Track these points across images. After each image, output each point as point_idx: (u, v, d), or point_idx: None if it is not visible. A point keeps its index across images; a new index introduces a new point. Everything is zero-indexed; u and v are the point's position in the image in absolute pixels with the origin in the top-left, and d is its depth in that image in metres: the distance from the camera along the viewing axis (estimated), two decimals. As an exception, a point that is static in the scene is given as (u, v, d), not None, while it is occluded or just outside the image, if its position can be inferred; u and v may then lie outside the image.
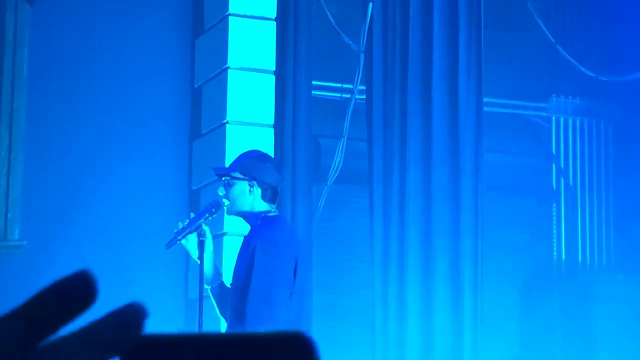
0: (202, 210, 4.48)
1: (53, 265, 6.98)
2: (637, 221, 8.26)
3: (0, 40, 6.98)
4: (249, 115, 7.09)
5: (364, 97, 7.45)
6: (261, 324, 4.09)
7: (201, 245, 4.48)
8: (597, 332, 8.08)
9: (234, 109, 7.08)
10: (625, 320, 8.03)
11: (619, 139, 8.62)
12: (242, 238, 4.68)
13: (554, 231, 8.64)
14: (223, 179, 4.41)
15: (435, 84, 7.31)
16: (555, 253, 8.61)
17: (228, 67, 7.10)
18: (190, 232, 4.45)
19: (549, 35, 8.03)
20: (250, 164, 4.37)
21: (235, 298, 4.28)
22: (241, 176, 4.35)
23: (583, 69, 8.12)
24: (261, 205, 4.37)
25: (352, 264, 7.78)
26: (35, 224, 6.98)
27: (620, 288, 8.14)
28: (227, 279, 4.69)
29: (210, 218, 4.45)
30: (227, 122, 7.07)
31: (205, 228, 4.47)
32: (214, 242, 6.87)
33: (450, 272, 7.18)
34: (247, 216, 4.39)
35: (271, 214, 4.37)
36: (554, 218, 8.65)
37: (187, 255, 7.11)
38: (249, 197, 4.36)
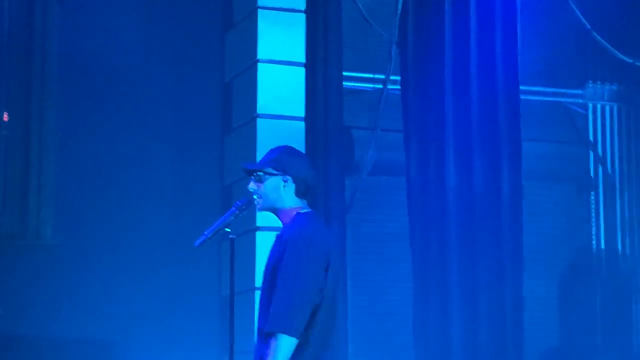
0: (232, 207, 4.41)
1: (86, 263, 6.97)
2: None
3: (29, 38, 6.95)
4: (280, 109, 7.04)
5: (397, 87, 7.37)
6: (284, 326, 4.03)
7: (232, 243, 4.42)
8: (638, 322, 7.97)
9: (264, 103, 7.03)
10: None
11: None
12: (275, 233, 4.62)
13: (593, 220, 8.52)
14: (255, 174, 4.34)
15: (471, 72, 7.20)
16: (594, 242, 8.49)
17: (258, 60, 7.05)
18: (220, 230, 4.39)
19: (585, 21, 7.90)
20: (284, 159, 4.30)
21: (264, 297, 4.21)
22: (275, 171, 4.28)
23: (619, 55, 7.99)
24: (294, 201, 4.30)
25: (387, 258, 7.71)
26: (67, 223, 6.96)
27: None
28: (260, 276, 4.63)
29: (240, 215, 4.39)
30: (258, 116, 7.02)
31: None
32: (247, 237, 6.86)
33: (491, 263, 7.08)
34: (280, 212, 4.33)
35: (304, 211, 4.30)
36: (593, 207, 8.53)
37: (220, 251, 7.10)
38: (283, 192, 4.29)
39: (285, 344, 4.05)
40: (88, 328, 6.91)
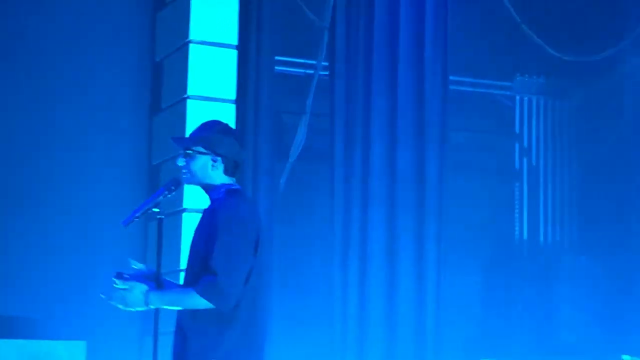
0: (161, 187, 4.39)
1: (7, 240, 6.89)
2: (600, 202, 8.27)
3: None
4: (211, 90, 7.01)
5: (330, 72, 7.39)
6: (218, 298, 4.03)
7: (160, 223, 4.39)
8: (558, 312, 8.10)
9: (195, 84, 6.99)
10: (585, 301, 8.06)
11: (583, 119, 8.62)
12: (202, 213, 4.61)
13: (517, 211, 8.64)
14: (184, 151, 4.33)
15: (400, 61, 7.25)
16: (517, 233, 8.61)
17: (190, 41, 7.00)
18: (149, 210, 4.36)
19: (515, 14, 7.98)
20: (214, 138, 4.29)
21: (191, 272, 4.20)
22: (204, 150, 4.28)
23: (548, 49, 8.09)
24: (223, 179, 4.31)
25: (314, 242, 7.73)
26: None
27: (581, 269, 8.16)
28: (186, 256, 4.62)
29: (169, 195, 4.37)
30: (188, 97, 6.98)
31: None
32: (173, 218, 6.83)
33: (414, 251, 7.15)
34: (208, 188, 4.33)
35: (233, 187, 4.31)
36: (517, 197, 8.65)
37: (146, 231, 7.06)
38: (211, 171, 4.30)
39: (201, 303, 4.05)
40: (8, 306, 6.83)
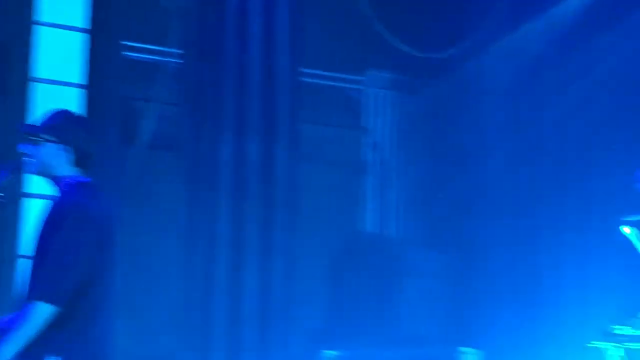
0: (0, 171, 4.25)
1: None
2: (448, 197, 8.44)
3: None
4: (58, 74, 6.87)
5: (179, 60, 7.34)
6: (47, 295, 3.94)
7: (1, 207, 4.28)
8: (404, 304, 8.23)
9: (41, 66, 6.84)
10: (432, 295, 8.22)
11: (432, 114, 8.77)
12: (43, 201, 4.49)
13: (366, 204, 8.74)
14: (32, 138, 4.20)
15: (251, 51, 7.26)
16: (366, 225, 8.71)
17: (37, 22, 6.84)
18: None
19: (367, 8, 8.07)
20: (65, 127, 4.18)
21: (36, 266, 4.09)
22: (53, 139, 4.16)
23: (398, 44, 8.21)
24: (70, 170, 4.20)
25: (161, 230, 7.66)
26: None
27: (429, 263, 8.31)
28: (29, 244, 4.50)
29: (8, 179, 4.24)
30: (34, 80, 6.82)
31: None
32: (13, 203, 6.64)
33: (260, 241, 7.17)
34: (55, 179, 4.21)
35: (81, 180, 4.20)
36: (366, 191, 8.75)
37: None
38: (59, 160, 4.18)
39: (42, 311, 3.97)
40: None
